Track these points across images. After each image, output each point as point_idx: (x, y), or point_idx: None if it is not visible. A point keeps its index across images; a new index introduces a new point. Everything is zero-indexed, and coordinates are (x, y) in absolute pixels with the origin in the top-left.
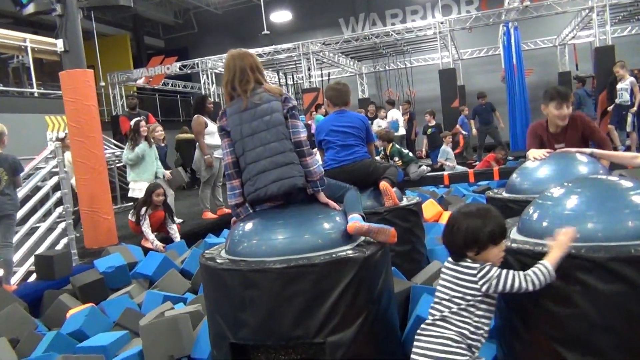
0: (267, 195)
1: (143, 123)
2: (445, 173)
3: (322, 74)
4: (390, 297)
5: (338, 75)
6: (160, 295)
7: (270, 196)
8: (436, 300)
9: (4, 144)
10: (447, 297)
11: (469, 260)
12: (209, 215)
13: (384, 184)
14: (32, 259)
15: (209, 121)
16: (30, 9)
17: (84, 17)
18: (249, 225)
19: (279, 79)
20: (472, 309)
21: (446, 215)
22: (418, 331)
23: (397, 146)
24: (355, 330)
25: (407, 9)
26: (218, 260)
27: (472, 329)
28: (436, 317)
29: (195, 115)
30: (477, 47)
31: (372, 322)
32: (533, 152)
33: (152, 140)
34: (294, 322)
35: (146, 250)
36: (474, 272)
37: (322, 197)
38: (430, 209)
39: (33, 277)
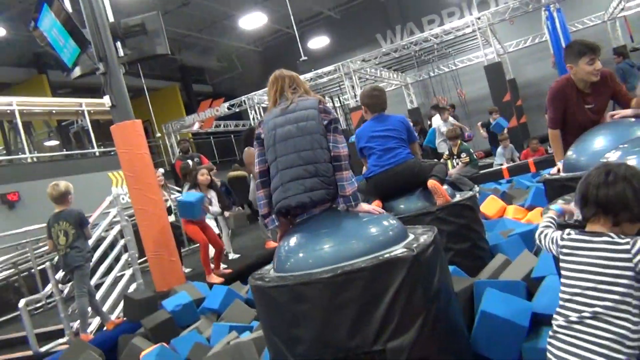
0: (296, 204)
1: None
2: (504, 167)
3: None
4: (450, 295)
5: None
6: (226, 326)
7: (300, 205)
8: (575, 290)
9: (69, 202)
10: (591, 285)
11: (613, 235)
12: (272, 244)
13: (432, 182)
14: (104, 308)
15: None
16: (76, 72)
17: (134, 76)
18: (292, 240)
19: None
20: (629, 299)
21: (511, 210)
22: (557, 330)
23: (466, 144)
24: (416, 333)
25: (443, 12)
26: (266, 279)
27: (633, 327)
28: (585, 315)
29: (246, 148)
30: (521, 38)
31: (432, 322)
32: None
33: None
34: (349, 331)
35: (211, 285)
36: (627, 247)
37: (361, 207)
38: (492, 205)
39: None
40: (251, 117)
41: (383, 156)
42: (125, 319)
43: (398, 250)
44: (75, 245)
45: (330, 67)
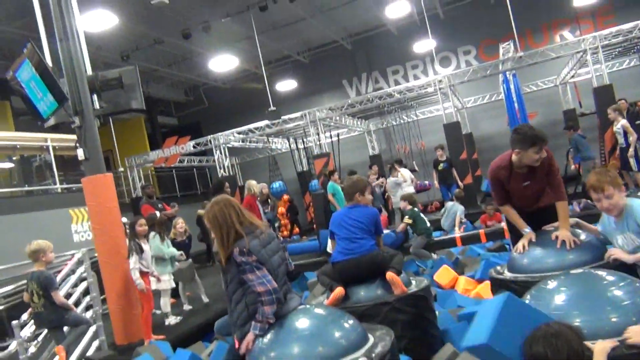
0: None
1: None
2: (457, 235)
3: (330, 135)
4: None
5: (346, 135)
6: None
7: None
8: None
9: (42, 262)
10: None
11: None
12: None
13: (390, 274)
14: None
15: None
16: (51, 122)
17: None
18: (267, 340)
19: (290, 145)
20: None
21: (462, 281)
22: None
23: (417, 210)
24: None
25: (407, 65)
26: None
27: None
28: None
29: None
30: (479, 94)
31: None
32: (517, 246)
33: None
34: None
35: (175, 348)
36: None
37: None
38: (445, 275)
39: None
40: (216, 157)
41: (349, 244)
42: None
43: (359, 358)
44: (47, 306)
45: (297, 114)
